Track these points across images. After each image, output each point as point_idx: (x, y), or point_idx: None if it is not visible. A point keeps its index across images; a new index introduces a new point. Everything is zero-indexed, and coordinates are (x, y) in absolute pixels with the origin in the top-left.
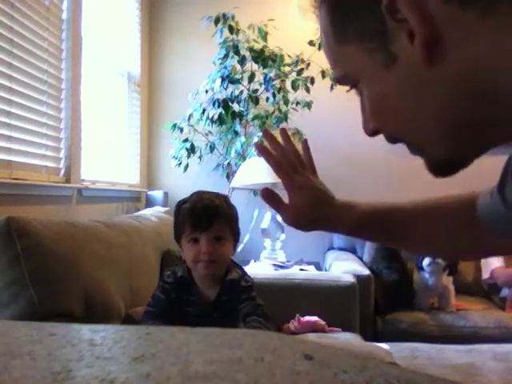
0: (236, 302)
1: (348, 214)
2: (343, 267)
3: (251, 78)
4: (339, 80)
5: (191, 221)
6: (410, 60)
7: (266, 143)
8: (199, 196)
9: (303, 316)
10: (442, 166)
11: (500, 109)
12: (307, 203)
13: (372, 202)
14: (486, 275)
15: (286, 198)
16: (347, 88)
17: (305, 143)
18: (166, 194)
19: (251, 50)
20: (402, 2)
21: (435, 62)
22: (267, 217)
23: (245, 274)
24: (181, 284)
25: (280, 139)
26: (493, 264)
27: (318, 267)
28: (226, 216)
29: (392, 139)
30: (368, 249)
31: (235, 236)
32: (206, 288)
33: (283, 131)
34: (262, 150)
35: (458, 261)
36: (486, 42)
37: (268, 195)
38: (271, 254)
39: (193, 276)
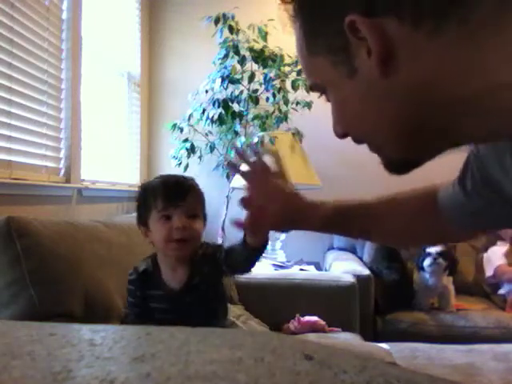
0: (215, 275)
1: (315, 214)
2: (343, 267)
3: (251, 77)
4: (311, 87)
5: (164, 195)
6: (368, 72)
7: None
8: (166, 175)
9: (303, 316)
10: (396, 166)
11: (447, 117)
12: (277, 207)
13: (340, 200)
14: (488, 273)
15: None
16: None
17: (277, 155)
18: None
19: (251, 50)
20: (360, 23)
21: (389, 75)
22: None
23: (213, 244)
24: (144, 279)
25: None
26: (496, 262)
27: (318, 267)
28: (197, 192)
29: (357, 141)
30: (368, 249)
31: (205, 217)
32: (172, 276)
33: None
34: (231, 167)
35: (456, 261)
36: (432, 58)
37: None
38: (271, 254)
39: (158, 266)
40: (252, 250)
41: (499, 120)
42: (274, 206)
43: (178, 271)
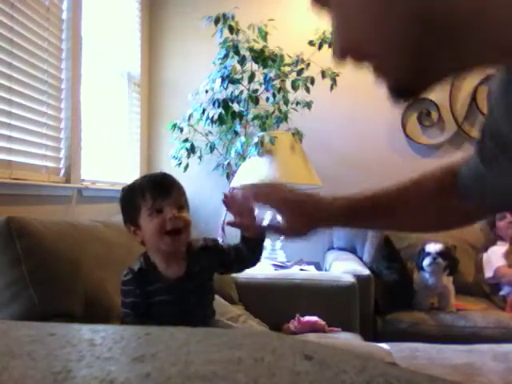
0: (214, 265)
1: (334, 210)
2: (343, 267)
3: (251, 77)
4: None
5: (152, 191)
6: None
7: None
8: (148, 174)
9: (303, 316)
10: (402, 86)
11: (450, 36)
12: (294, 214)
13: (353, 194)
14: (488, 274)
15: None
16: (347, 88)
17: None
18: None
19: (251, 50)
20: None
21: None
22: (267, 217)
23: (212, 238)
24: (141, 277)
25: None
26: (496, 263)
27: (318, 267)
28: (180, 185)
29: (359, 56)
30: (368, 249)
31: (188, 209)
32: (168, 269)
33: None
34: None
35: (456, 261)
36: None
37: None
38: (271, 254)
39: (152, 263)
40: (253, 242)
41: (492, 38)
42: (286, 216)
43: (172, 265)
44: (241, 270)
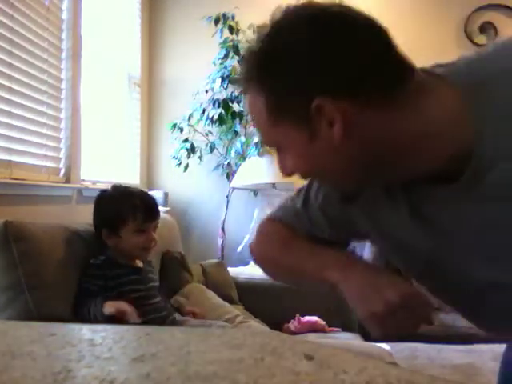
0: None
1: None
2: None
3: None
4: (266, 143)
5: (145, 213)
6: (328, 136)
7: None
8: (136, 191)
9: (303, 316)
10: (345, 197)
11: (384, 162)
12: None
13: None
14: None
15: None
16: None
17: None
18: (166, 195)
19: None
20: (326, 105)
21: (346, 138)
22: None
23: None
24: (107, 263)
25: None
26: None
27: None
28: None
29: (305, 178)
30: (368, 249)
31: None
32: (130, 262)
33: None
34: None
35: None
36: (377, 123)
37: None
38: None
39: (115, 258)
40: None
41: (416, 162)
42: None
43: (134, 261)
44: None
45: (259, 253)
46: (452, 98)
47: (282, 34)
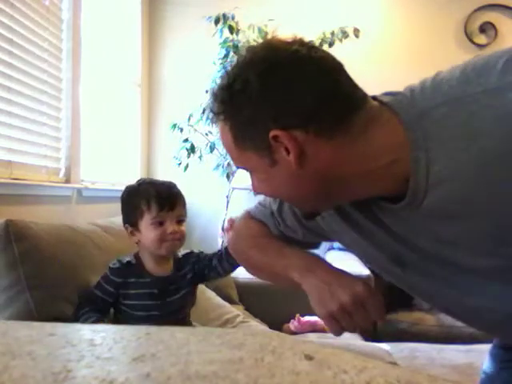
0: (192, 267)
1: None
2: (343, 267)
3: None
4: (236, 166)
5: (158, 203)
6: (287, 163)
7: None
8: (155, 181)
9: (303, 316)
10: (307, 215)
11: (342, 186)
12: None
13: None
14: None
15: None
16: None
17: None
18: None
19: None
20: (281, 136)
21: (302, 166)
22: None
23: (196, 253)
24: (128, 268)
25: None
26: None
27: None
28: (183, 198)
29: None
30: None
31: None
32: (157, 267)
33: None
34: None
35: None
36: (329, 153)
37: None
38: None
39: (141, 260)
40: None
41: (368, 187)
42: None
43: (162, 264)
44: (215, 276)
45: (233, 246)
46: (395, 126)
47: (241, 72)
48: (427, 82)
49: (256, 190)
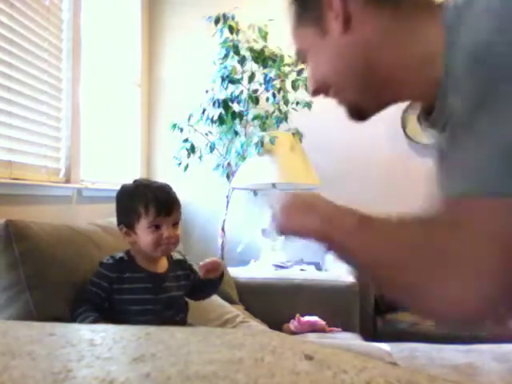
0: (186, 276)
1: None
2: (343, 267)
3: (251, 78)
4: (297, 55)
5: (156, 207)
6: (335, 31)
7: None
8: (152, 184)
9: (303, 316)
10: (355, 111)
11: (376, 76)
12: None
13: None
14: None
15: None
16: None
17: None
18: None
19: (251, 50)
20: (336, 2)
21: (347, 32)
22: (267, 217)
23: (188, 262)
24: (121, 264)
25: None
26: None
27: (318, 267)
28: (178, 202)
29: (326, 91)
30: None
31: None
32: (149, 264)
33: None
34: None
35: None
36: (377, 25)
37: None
38: (271, 253)
39: (134, 257)
40: (215, 281)
41: (403, 84)
42: None
43: (154, 262)
44: (196, 297)
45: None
46: (437, 27)
47: None
48: None
49: (310, 80)
